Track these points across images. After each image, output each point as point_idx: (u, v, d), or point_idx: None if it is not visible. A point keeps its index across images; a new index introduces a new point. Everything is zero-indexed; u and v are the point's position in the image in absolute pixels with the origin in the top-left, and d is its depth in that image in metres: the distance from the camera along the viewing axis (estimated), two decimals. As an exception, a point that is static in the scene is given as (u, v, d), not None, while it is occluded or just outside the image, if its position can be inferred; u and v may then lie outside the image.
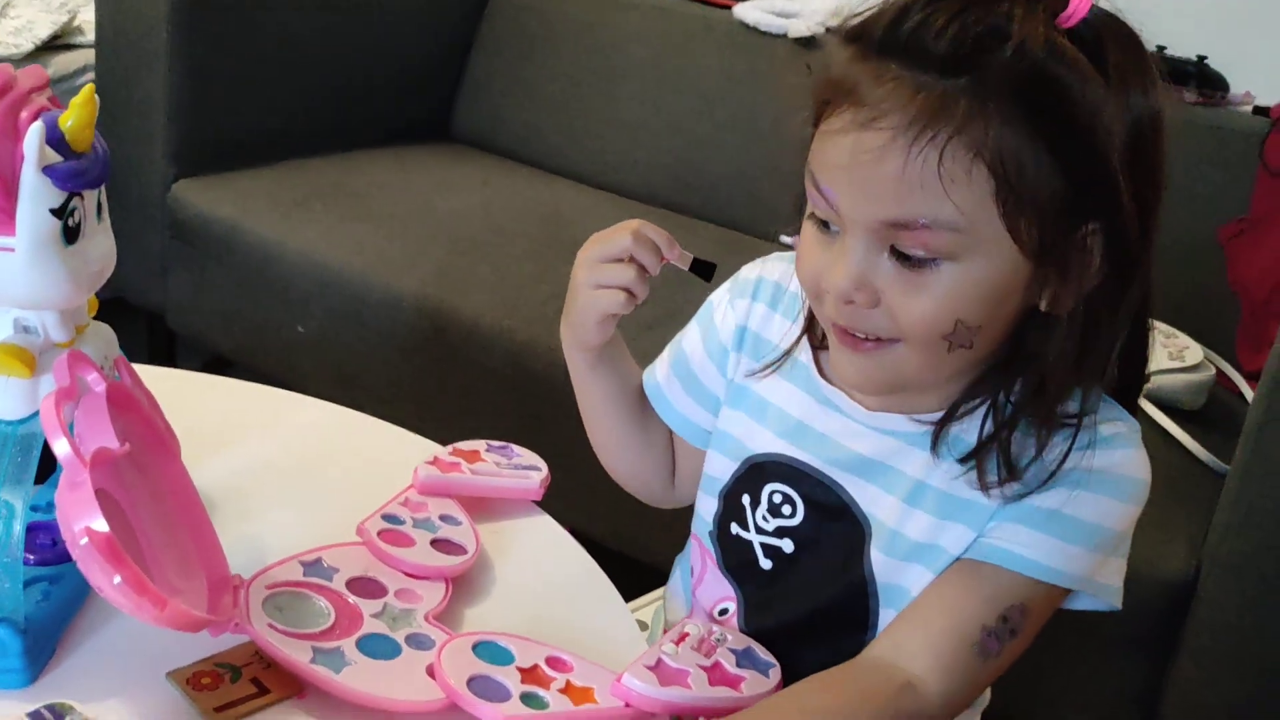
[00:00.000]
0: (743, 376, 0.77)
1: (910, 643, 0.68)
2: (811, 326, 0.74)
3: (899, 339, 0.63)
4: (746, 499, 0.76)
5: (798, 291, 0.74)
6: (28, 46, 1.94)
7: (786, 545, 0.75)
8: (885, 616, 0.72)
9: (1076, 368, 0.64)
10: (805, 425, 0.73)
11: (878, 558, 0.72)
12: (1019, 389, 0.66)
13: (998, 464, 0.66)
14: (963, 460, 0.67)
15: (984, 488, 0.67)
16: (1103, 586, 0.70)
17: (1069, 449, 0.66)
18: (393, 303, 1.61)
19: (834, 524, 0.73)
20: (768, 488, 0.75)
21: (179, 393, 0.77)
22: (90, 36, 1.94)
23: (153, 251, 1.83)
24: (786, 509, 0.75)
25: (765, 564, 0.76)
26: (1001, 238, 0.59)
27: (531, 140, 2.14)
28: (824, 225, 0.65)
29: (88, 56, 1.96)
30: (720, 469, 0.79)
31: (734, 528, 0.78)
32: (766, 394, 0.76)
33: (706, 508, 0.80)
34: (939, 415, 0.69)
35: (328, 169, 1.91)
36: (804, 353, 0.75)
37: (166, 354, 2.00)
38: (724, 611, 0.80)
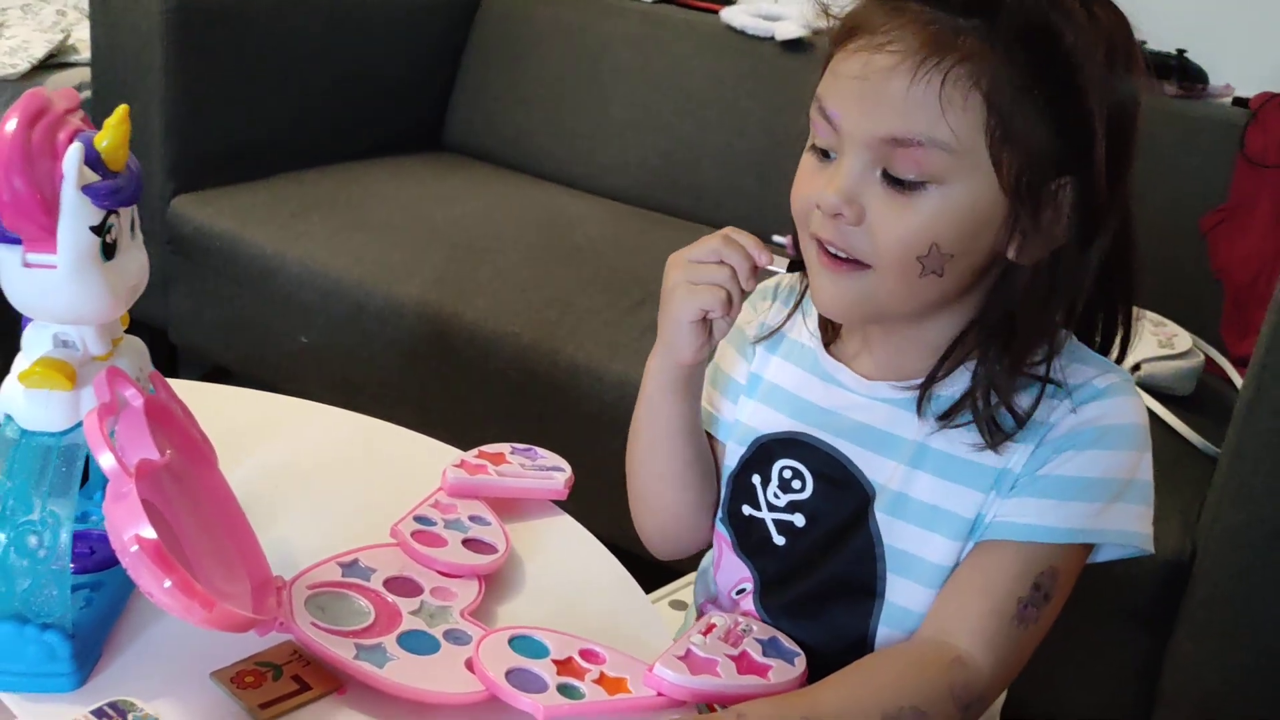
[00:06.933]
0: (759, 352, 0.82)
1: (953, 624, 0.72)
2: (813, 314, 0.79)
3: (872, 265, 0.67)
4: (756, 479, 0.79)
5: (794, 285, 0.80)
6: (24, 66, 1.93)
7: (798, 520, 0.78)
8: (894, 584, 0.74)
9: (1040, 320, 0.68)
10: (810, 402, 0.78)
11: (883, 518, 0.74)
12: (994, 350, 0.70)
13: (984, 424, 0.70)
14: (941, 418, 0.71)
15: (991, 445, 0.70)
16: (1124, 533, 0.71)
17: (1037, 399, 0.70)
18: (394, 310, 1.62)
19: (841, 492, 0.76)
20: (778, 464, 0.78)
21: (200, 404, 0.79)
22: (85, 54, 1.95)
23: (153, 266, 1.81)
24: (796, 483, 0.78)
25: (779, 540, 0.79)
26: (985, 167, 0.64)
27: (523, 146, 2.15)
28: (823, 155, 0.69)
29: (83, 74, 1.96)
30: (731, 456, 0.82)
31: (745, 509, 0.81)
32: (777, 379, 0.80)
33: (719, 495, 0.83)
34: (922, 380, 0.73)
35: (324, 180, 1.92)
36: (812, 339, 0.79)
37: (169, 367, 2.01)
38: (741, 591, 0.82)
